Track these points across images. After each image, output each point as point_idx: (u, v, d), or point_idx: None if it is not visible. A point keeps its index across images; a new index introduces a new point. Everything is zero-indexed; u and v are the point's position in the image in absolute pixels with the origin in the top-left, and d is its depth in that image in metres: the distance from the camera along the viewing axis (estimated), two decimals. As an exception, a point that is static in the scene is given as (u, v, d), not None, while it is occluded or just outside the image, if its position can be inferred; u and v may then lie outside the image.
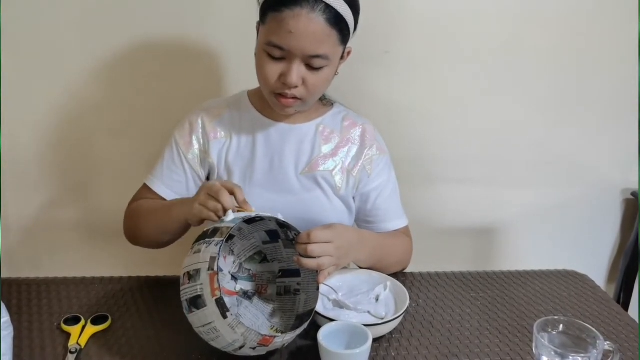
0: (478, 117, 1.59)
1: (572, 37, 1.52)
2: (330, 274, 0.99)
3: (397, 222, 1.24)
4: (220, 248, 0.85)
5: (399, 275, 1.22)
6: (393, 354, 0.96)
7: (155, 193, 1.16)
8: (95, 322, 1.01)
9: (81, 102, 1.48)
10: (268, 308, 1.04)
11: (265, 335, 0.85)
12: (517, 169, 1.66)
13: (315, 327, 0.94)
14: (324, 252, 0.95)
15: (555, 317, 0.90)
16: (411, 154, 1.58)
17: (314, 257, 0.94)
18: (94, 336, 0.98)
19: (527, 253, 1.74)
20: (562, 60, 1.55)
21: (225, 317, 0.82)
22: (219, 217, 0.92)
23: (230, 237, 1.01)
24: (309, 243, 0.94)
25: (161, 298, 1.10)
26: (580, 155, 1.66)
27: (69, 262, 1.58)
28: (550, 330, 0.89)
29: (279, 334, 0.88)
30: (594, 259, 1.81)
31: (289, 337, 0.89)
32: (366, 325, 0.92)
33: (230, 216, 0.90)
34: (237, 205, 0.93)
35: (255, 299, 1.04)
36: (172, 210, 1.06)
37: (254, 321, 1.01)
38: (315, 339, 0.88)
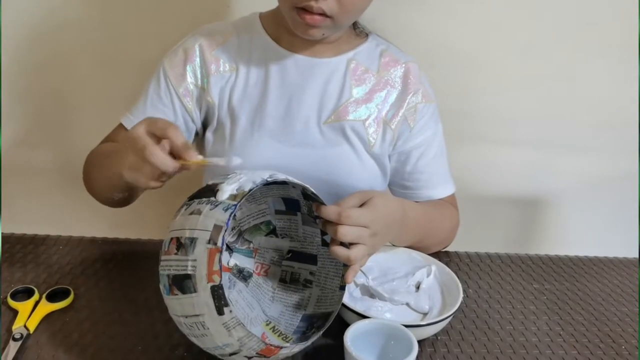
0: (536, 66, 1.33)
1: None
2: (362, 266, 0.74)
3: (443, 189, 0.99)
4: (231, 215, 0.60)
5: (442, 256, 0.98)
6: (440, 365, 0.74)
7: None
8: (52, 297, 0.78)
9: (59, 21, 1.22)
10: (266, 297, 0.79)
11: (270, 345, 0.61)
12: (575, 131, 1.41)
13: (337, 319, 0.72)
14: (358, 238, 0.70)
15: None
16: (451, 105, 1.30)
17: (344, 243, 0.70)
18: (48, 317, 0.75)
19: (579, 230, 1.50)
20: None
21: (221, 312, 0.58)
22: (162, 182, 0.67)
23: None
24: (339, 224, 0.68)
25: (143, 269, 0.86)
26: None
27: (35, 215, 1.34)
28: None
29: (287, 344, 0.64)
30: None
31: (298, 348, 0.66)
32: (407, 326, 0.69)
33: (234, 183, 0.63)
34: (180, 160, 0.64)
35: (252, 282, 0.80)
36: (117, 160, 0.74)
37: (247, 312, 0.77)
38: (336, 337, 0.68)
